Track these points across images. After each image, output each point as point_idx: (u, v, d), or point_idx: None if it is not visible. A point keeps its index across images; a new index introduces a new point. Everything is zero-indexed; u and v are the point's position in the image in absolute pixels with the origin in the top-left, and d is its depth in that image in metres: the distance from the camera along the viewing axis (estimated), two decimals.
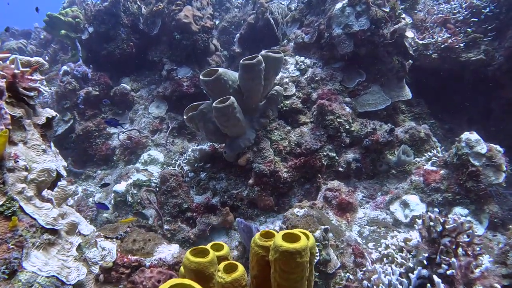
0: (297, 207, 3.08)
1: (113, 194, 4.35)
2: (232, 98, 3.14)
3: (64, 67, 5.60)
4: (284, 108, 3.81)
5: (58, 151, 2.31)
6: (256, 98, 3.55)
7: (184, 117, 3.64)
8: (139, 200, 3.99)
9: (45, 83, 2.31)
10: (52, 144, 2.24)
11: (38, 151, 1.93)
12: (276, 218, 3.57)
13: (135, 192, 4.15)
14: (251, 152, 3.53)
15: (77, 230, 2.08)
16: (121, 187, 4.27)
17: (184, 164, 4.14)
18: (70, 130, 5.69)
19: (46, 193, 1.92)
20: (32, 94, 2.03)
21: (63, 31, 5.68)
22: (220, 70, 3.34)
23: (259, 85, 3.37)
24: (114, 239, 2.06)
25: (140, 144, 5.35)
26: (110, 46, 5.99)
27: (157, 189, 3.86)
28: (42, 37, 9.02)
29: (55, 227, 1.72)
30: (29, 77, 2.04)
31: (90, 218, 4.57)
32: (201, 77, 3.42)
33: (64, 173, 2.12)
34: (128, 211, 4.17)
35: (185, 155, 4.29)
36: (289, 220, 2.17)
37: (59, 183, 2.09)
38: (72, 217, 2.03)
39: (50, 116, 2.21)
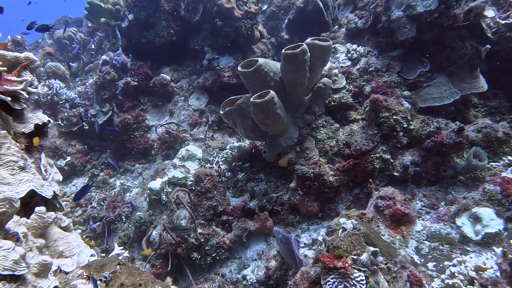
0: (343, 216, 2.96)
1: (148, 191, 4.51)
2: (272, 92, 3.06)
3: (104, 57, 5.87)
4: (332, 103, 3.65)
5: (51, 162, 2.20)
6: (300, 92, 3.43)
7: (221, 112, 3.63)
8: (173, 199, 4.08)
9: (36, 83, 2.16)
10: (43, 156, 2.07)
11: (13, 169, 1.75)
12: (320, 226, 3.47)
13: (170, 190, 4.26)
14: (293, 152, 3.43)
15: (56, 268, 1.86)
16: (156, 184, 4.40)
17: (222, 163, 4.15)
18: (109, 122, 5.98)
19: (13, 224, 1.72)
20: (8, 98, 1.83)
21: (103, 19, 5.94)
22: (261, 60, 3.26)
23: (304, 78, 3.24)
24: (98, 281, 1.77)
25: (178, 139, 5.48)
26: (150, 34, 6.16)
27: (193, 188, 3.92)
28: (89, 25, 9.54)
29: (15, 273, 1.48)
30: (9, 77, 1.87)
31: (125, 214, 4.79)
32: (239, 68, 3.38)
33: (57, 189, 2.01)
34: (162, 210, 4.30)
35: (223, 152, 4.30)
36: (331, 240, 2.05)
37: (36, 208, 1.87)
38: (44, 256, 1.72)
39: (41, 123, 2.03)
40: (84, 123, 6.14)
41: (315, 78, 3.47)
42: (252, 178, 3.76)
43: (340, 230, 2.69)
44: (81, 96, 6.71)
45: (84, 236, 4.77)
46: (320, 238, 3.24)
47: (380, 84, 3.57)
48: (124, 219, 4.81)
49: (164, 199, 4.25)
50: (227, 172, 4.03)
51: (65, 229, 2.14)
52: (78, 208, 5.32)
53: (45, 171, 1.96)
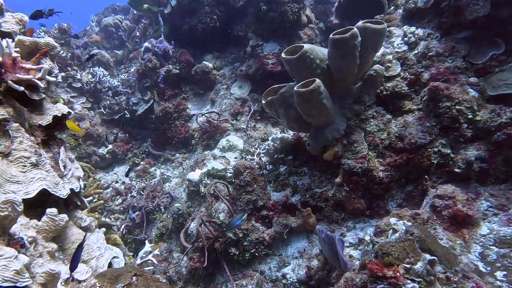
0: (394, 215, 2.80)
1: (186, 182, 4.57)
2: (318, 81, 2.93)
3: (146, 44, 6.01)
4: (384, 92, 3.45)
5: (72, 156, 2.09)
6: (348, 81, 3.28)
7: (263, 101, 3.57)
8: (212, 192, 4.10)
9: (56, 71, 2.06)
10: (62, 150, 1.94)
11: (24, 166, 1.66)
12: (367, 224, 3.32)
13: (209, 182, 4.28)
14: (340, 145, 3.30)
15: (68, 276, 1.76)
16: (195, 175, 4.45)
17: (263, 155, 4.10)
18: (150, 110, 6.13)
19: (21, 228, 1.63)
20: (21, 88, 1.72)
21: (145, 5, 6.08)
22: (306, 46, 3.15)
23: (353, 65, 3.09)
24: None
25: (219, 128, 5.50)
26: (193, 20, 6.21)
27: (232, 180, 3.90)
28: (135, 12, 9.86)
29: (17, 284, 1.38)
30: (24, 65, 1.76)
31: (164, 205, 4.90)
32: (282, 55, 3.28)
33: (76, 186, 1.87)
34: (200, 202, 4.34)
35: (265, 143, 4.24)
36: (380, 245, 1.92)
37: (48, 210, 1.76)
38: (51, 264, 1.60)
39: (60, 114, 1.91)
40: (125, 112, 6.35)
41: (366, 65, 3.29)
42: (295, 172, 3.67)
43: (390, 231, 2.54)
44: (124, 84, 6.95)
45: (123, 226, 4.96)
46: (367, 238, 3.11)
47: (442, 71, 3.31)
48: (163, 210, 4.94)
49: (202, 191, 4.29)
50: (268, 164, 3.98)
51: (86, 229, 2.03)
52: (118, 196, 5.54)
53: (64, 167, 1.84)
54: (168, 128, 6.08)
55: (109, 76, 7.16)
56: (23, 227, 1.60)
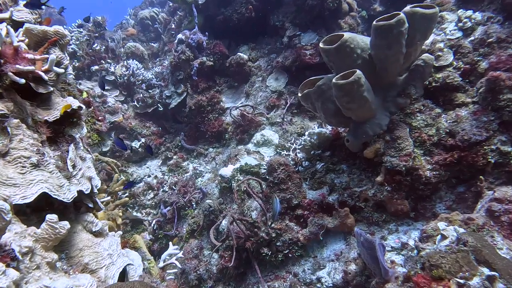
0: (443, 219, 2.65)
1: (219, 178, 4.56)
2: (358, 72, 2.81)
3: (179, 35, 6.06)
4: (434, 84, 3.26)
5: (85, 155, 1.96)
6: (393, 72, 3.13)
7: (299, 94, 3.49)
8: (242, 189, 4.07)
9: (66, 62, 1.93)
10: (71, 148, 1.79)
11: (23, 167, 1.53)
12: (411, 227, 3.17)
13: (241, 178, 4.25)
14: (382, 141, 3.16)
15: None
16: (227, 171, 4.44)
17: (299, 150, 4.01)
18: (183, 103, 6.20)
19: (14, 237, 1.49)
20: (22, 80, 1.62)
21: None
22: (346, 35, 3.03)
23: (399, 54, 2.93)
24: None
25: (253, 122, 5.46)
26: (227, 10, 6.20)
27: (266, 177, 3.85)
28: (171, 4, 10.01)
29: None
30: (28, 55, 1.68)
31: (196, 200, 4.94)
32: (320, 44, 3.18)
33: (87, 187, 1.74)
34: (233, 199, 4.32)
35: (301, 138, 4.16)
36: (428, 255, 1.78)
37: (47, 216, 1.62)
38: (45, 281, 1.47)
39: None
40: (159, 105, 6.45)
41: (413, 55, 3.11)
42: (333, 169, 3.57)
43: (439, 237, 2.40)
44: (157, 77, 7.06)
45: (154, 221, 5.04)
46: (411, 242, 2.96)
47: (503, 59, 3.07)
48: (194, 205, 4.97)
49: (235, 187, 4.27)
50: (304, 161, 3.89)
51: (98, 234, 1.91)
52: (150, 191, 5.64)
53: (73, 166, 1.70)
54: (201, 121, 6.11)
55: (143, 69, 7.31)
56: (18, 236, 1.47)
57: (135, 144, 6.24)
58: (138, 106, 6.63)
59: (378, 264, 2.48)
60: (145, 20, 10.50)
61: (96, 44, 6.86)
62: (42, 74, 1.69)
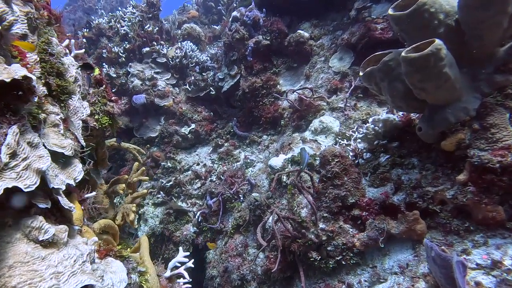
0: None
1: (268, 169, 4.21)
2: (437, 41, 2.28)
3: (234, 13, 5.76)
4: None
5: (37, 140, 1.48)
6: (491, 40, 2.52)
7: (360, 73, 3.00)
8: (290, 182, 3.66)
9: (11, 17, 1.43)
10: (12, 131, 1.33)
11: None
12: (508, 240, 2.54)
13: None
14: (467, 130, 2.58)
15: None
16: (277, 161, 4.07)
17: (360, 140, 3.51)
18: (236, 86, 5.91)
19: None
20: None
21: None
22: None
23: (501, 15, 2.33)
24: None
25: (312, 107, 5.02)
26: None
27: (320, 170, 3.42)
28: None
29: None
30: None
31: (243, 192, 4.63)
32: (390, 11, 2.69)
33: (32, 182, 1.35)
34: (282, 193, 3.94)
35: (364, 126, 3.64)
36: None
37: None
38: None
39: (9, 80, 1.28)
40: (211, 88, 6.23)
41: None
42: (400, 163, 3.04)
43: None
44: (212, 59, 6.84)
45: (198, 213, 4.82)
46: (507, 261, 2.37)
47: None
48: (242, 198, 4.67)
49: (284, 180, 3.88)
50: (366, 153, 3.39)
51: (49, 244, 1.45)
52: (197, 180, 5.45)
53: (12, 154, 1.31)
54: (255, 106, 5.78)
55: (198, 50, 7.14)
56: None
57: (185, 130, 6.08)
58: (190, 89, 6.47)
59: (455, 286, 1.97)
60: (208, 2, 10.41)
61: (148, 25, 6.78)
62: None
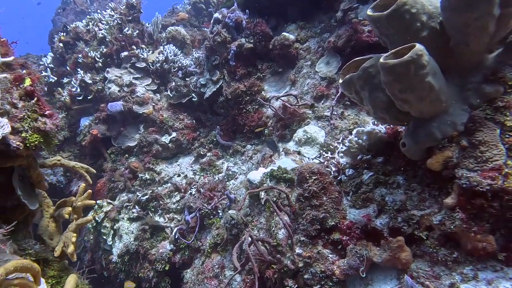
0: None
1: (247, 183, 3.95)
2: (418, 46, 2.03)
3: (215, 14, 5.51)
4: None
5: None
6: (478, 46, 2.27)
7: (340, 81, 2.75)
8: (275, 199, 3.40)
9: None
10: None
11: None
12: (500, 274, 2.28)
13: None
14: (455, 147, 2.33)
15: None
16: (256, 175, 3.81)
17: (342, 154, 3.25)
18: (219, 92, 5.65)
19: None
20: None
21: None
22: None
23: (487, 18, 2.08)
24: None
25: (296, 115, 4.77)
26: None
27: (296, 188, 3.16)
28: None
29: None
30: None
31: (223, 208, 4.39)
32: (368, 11, 2.45)
33: None
34: (261, 211, 3.68)
35: (347, 139, 3.39)
36: None
37: None
38: None
39: None
40: (193, 95, 5.97)
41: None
42: (384, 182, 2.78)
43: None
44: (195, 63, 6.58)
45: (175, 229, 4.57)
46: None
47: None
48: (221, 214, 4.41)
49: (262, 197, 3.62)
50: (348, 169, 3.13)
51: None
52: (177, 193, 5.19)
53: None
54: (238, 113, 5.52)
55: (182, 54, 6.88)
56: None
57: (165, 139, 5.82)
58: (171, 96, 6.20)
59: None
60: (198, 3, 10.19)
61: (127, 28, 6.51)
62: None
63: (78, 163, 3.11)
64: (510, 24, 2.22)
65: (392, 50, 2.21)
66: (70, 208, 2.69)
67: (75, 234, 2.49)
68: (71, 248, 2.40)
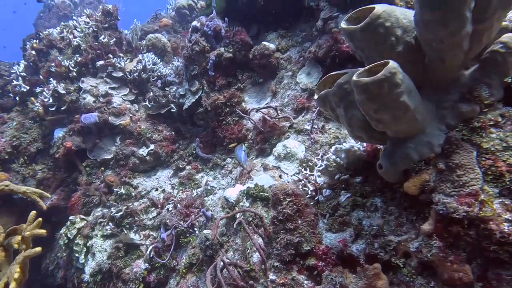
0: None
1: (223, 200, 3.81)
2: (392, 63, 1.92)
3: (194, 23, 5.38)
4: None
5: None
6: (453, 63, 2.17)
7: (315, 97, 2.64)
8: (250, 219, 3.27)
9: None
10: None
11: None
12: None
13: (248, 205, 3.45)
14: (432, 170, 2.22)
15: None
16: (232, 193, 3.68)
17: (319, 173, 3.13)
18: (198, 103, 5.52)
19: None
20: None
21: None
22: (379, 8, 2.16)
23: (461, 34, 1.98)
24: None
25: (276, 129, 4.64)
26: None
27: (270, 211, 3.04)
28: None
29: None
30: None
31: (199, 225, 4.25)
32: (342, 24, 2.34)
33: None
34: (237, 231, 3.54)
35: (325, 157, 3.27)
36: None
37: None
38: None
39: None
40: (172, 105, 5.82)
41: (486, 35, 2.13)
42: (362, 204, 2.66)
43: None
44: (175, 72, 6.44)
45: (150, 247, 4.42)
46: None
47: None
48: (197, 232, 4.26)
49: (238, 216, 3.48)
50: (326, 189, 3.01)
51: None
52: (153, 208, 5.03)
53: None
54: (218, 125, 5.38)
55: (161, 63, 6.73)
56: None
57: (143, 151, 5.65)
58: (149, 106, 6.04)
59: None
60: (182, 9, 10.08)
61: (103, 36, 6.35)
62: None
63: (30, 188, 2.93)
64: (483, 40, 2.13)
65: (366, 67, 2.10)
66: (20, 237, 2.51)
67: (18, 270, 2.31)
68: (13, 285, 2.22)
